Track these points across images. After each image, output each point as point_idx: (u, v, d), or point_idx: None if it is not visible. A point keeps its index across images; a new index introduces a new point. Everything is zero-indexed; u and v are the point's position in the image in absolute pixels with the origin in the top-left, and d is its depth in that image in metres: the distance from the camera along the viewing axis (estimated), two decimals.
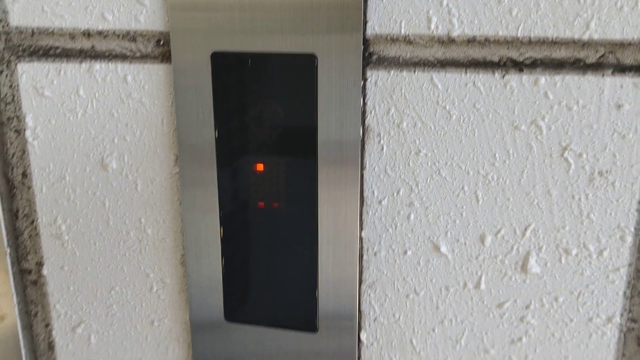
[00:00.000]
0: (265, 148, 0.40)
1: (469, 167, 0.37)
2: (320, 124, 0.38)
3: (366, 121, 0.38)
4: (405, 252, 0.40)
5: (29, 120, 0.44)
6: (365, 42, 0.37)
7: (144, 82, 0.41)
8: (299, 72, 0.37)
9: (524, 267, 0.38)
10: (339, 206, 0.39)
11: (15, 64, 0.43)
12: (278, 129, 0.39)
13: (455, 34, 0.35)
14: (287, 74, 0.38)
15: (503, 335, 0.40)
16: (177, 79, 0.40)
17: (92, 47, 0.41)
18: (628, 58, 0.33)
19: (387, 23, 0.36)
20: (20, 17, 0.42)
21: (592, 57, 0.34)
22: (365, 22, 0.36)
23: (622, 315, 0.37)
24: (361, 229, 0.40)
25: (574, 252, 0.37)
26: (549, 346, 0.39)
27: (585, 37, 0.33)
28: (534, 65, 0.35)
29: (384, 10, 0.36)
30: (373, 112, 0.38)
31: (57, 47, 0.42)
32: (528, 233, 0.37)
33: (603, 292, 0.37)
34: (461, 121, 0.36)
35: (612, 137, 0.34)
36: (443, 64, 0.36)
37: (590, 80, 0.34)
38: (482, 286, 0.39)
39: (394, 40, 0.36)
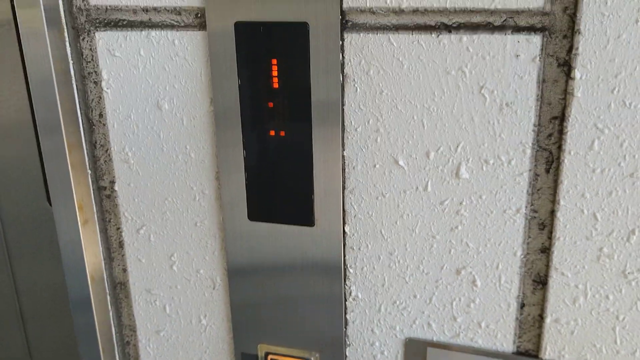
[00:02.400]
0: (274, 100, 0.55)
1: (417, 102, 0.52)
2: (313, 71, 0.53)
3: (344, 70, 0.53)
4: (375, 166, 0.55)
5: (104, 74, 0.61)
6: (342, 13, 0.51)
7: (187, 44, 0.57)
8: (295, 35, 0.52)
9: (457, 174, 0.53)
10: (327, 134, 0.55)
11: (94, 33, 0.60)
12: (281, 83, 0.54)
13: (404, 6, 0.50)
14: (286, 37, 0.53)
15: (445, 224, 0.55)
16: (211, 43, 0.55)
17: (149, 19, 0.57)
18: (522, 21, 0.47)
19: None
20: None
21: (498, 21, 0.48)
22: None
23: (526, 207, 0.52)
24: (343, 149, 0.56)
25: (491, 162, 0.52)
26: (477, 231, 0.54)
27: (493, 7, 0.48)
28: (459, 27, 0.49)
29: None
30: (349, 63, 0.53)
31: (124, 20, 0.58)
32: (459, 149, 0.52)
33: (512, 190, 0.52)
34: (410, 69, 0.51)
35: (513, 78, 0.49)
36: (397, 28, 0.50)
37: (497, 37, 0.48)
38: (429, 189, 0.54)
39: (362, 11, 0.51)
